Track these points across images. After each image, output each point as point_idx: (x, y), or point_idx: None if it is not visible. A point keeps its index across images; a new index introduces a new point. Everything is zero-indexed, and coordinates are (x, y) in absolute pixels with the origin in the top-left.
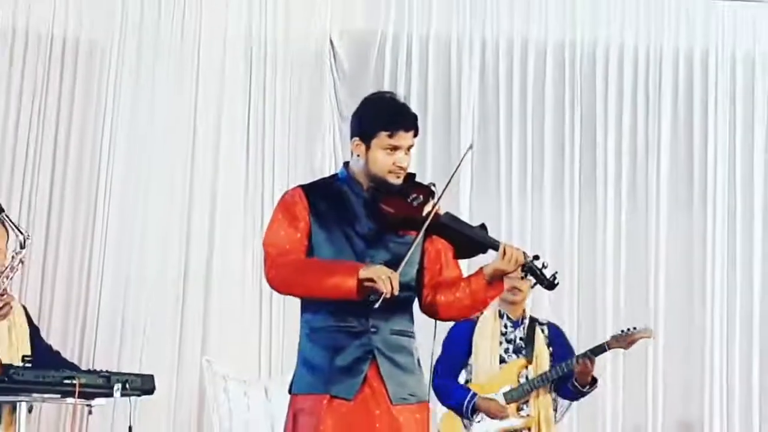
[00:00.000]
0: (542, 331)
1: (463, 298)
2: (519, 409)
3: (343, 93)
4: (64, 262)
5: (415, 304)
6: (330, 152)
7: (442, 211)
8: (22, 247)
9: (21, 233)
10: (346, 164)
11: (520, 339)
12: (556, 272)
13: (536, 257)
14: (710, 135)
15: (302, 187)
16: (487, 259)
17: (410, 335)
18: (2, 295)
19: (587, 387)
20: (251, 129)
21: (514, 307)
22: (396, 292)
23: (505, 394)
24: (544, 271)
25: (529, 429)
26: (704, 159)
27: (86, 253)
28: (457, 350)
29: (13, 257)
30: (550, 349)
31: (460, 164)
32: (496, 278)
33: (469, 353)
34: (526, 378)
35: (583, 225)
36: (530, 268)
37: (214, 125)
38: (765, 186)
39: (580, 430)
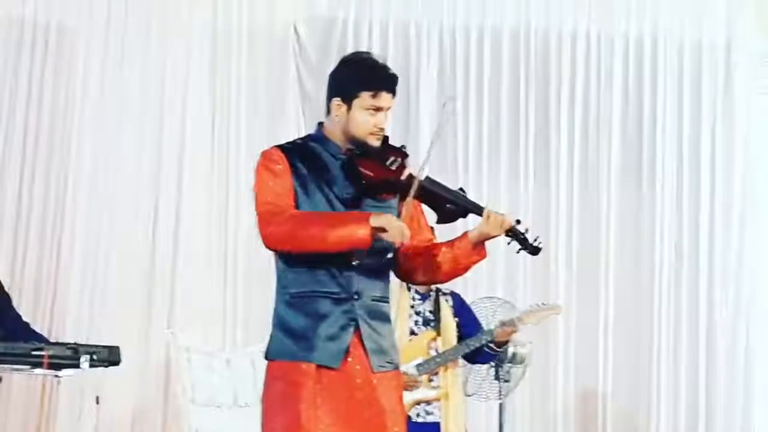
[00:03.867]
0: (446, 301)
1: (443, 263)
2: (429, 380)
3: (307, 78)
4: (35, 236)
5: None
6: (295, 137)
7: (420, 176)
8: None
9: None
10: (321, 124)
11: (429, 311)
12: (538, 236)
13: (518, 221)
14: (659, 115)
15: (280, 147)
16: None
17: (387, 300)
18: None
19: (504, 346)
20: (217, 114)
21: None
22: (407, 241)
23: (417, 366)
24: (526, 235)
25: (439, 400)
26: (653, 139)
27: (57, 228)
28: None
29: None
30: (456, 319)
31: (441, 122)
32: (481, 243)
33: None
34: (436, 350)
35: (537, 204)
36: (515, 233)
37: (181, 110)
38: (711, 165)
39: (532, 396)
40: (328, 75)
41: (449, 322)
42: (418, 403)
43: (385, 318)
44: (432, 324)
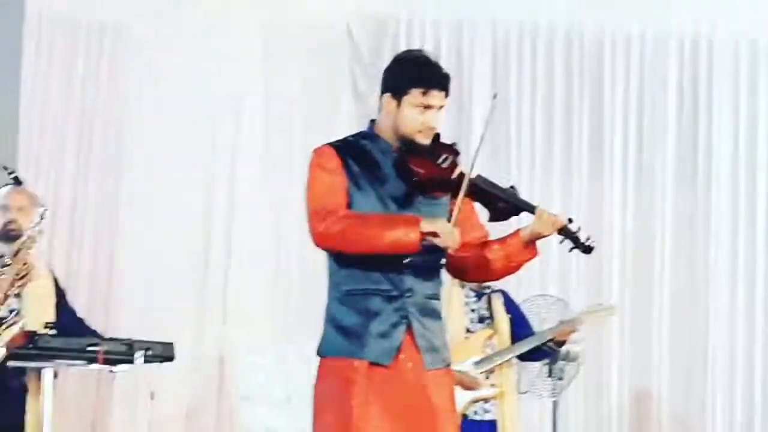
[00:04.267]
0: (498, 299)
1: (495, 260)
2: (486, 379)
3: (361, 78)
4: (90, 233)
5: None
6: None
7: (471, 173)
8: (42, 218)
9: (41, 205)
10: (372, 122)
11: (484, 309)
12: (590, 236)
13: (570, 220)
14: (714, 115)
15: (332, 145)
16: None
17: (439, 298)
18: (24, 264)
19: (562, 345)
20: (271, 113)
21: None
22: (458, 245)
23: (475, 364)
24: (578, 234)
25: (495, 399)
26: (709, 139)
27: (111, 225)
28: None
29: (33, 228)
30: (508, 315)
31: (489, 120)
32: (533, 242)
33: None
34: (491, 348)
35: (591, 204)
36: (567, 232)
37: (235, 108)
38: None
39: (586, 395)
40: (383, 71)
41: (503, 319)
42: (475, 401)
43: (436, 316)
44: (487, 322)
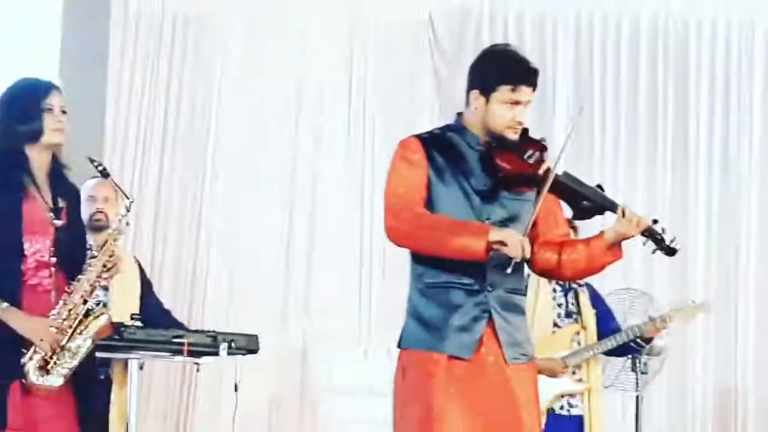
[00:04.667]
0: (583, 293)
1: (578, 260)
2: (573, 374)
3: (443, 71)
4: (175, 226)
5: None
6: (430, 128)
7: (557, 170)
8: (128, 210)
9: (126, 197)
10: (460, 115)
11: (571, 304)
12: (675, 237)
13: (655, 221)
14: None
15: (418, 137)
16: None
17: (522, 293)
18: (111, 256)
19: (650, 342)
20: (353, 106)
21: None
22: (527, 256)
23: (563, 359)
24: (663, 236)
25: (582, 395)
26: None
27: (195, 218)
28: None
29: (119, 220)
30: (594, 310)
31: (572, 129)
32: (617, 243)
33: None
34: (579, 343)
35: (675, 197)
36: (651, 233)
37: (318, 101)
38: None
39: (669, 390)
40: (469, 67)
41: (589, 314)
42: (562, 396)
43: (518, 310)
44: (574, 316)
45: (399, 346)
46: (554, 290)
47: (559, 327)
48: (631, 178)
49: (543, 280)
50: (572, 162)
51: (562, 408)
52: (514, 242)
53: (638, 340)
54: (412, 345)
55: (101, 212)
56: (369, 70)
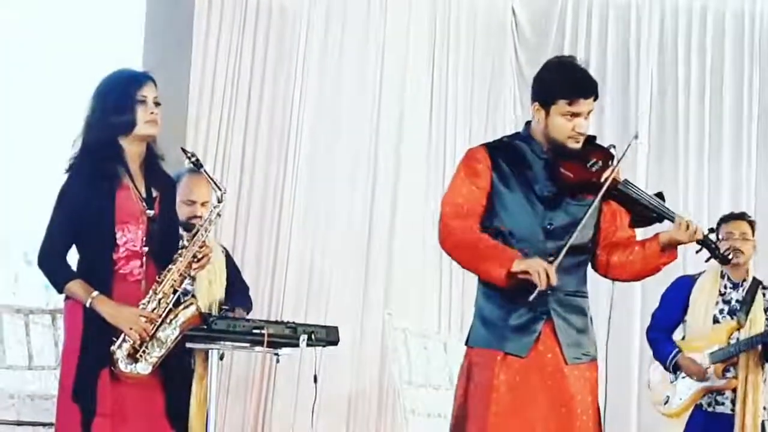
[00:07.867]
0: (763, 295)
1: (635, 261)
2: (725, 370)
3: (525, 60)
4: (256, 217)
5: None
6: (511, 119)
7: (621, 177)
8: (219, 201)
9: (219, 188)
10: (528, 124)
11: (737, 301)
12: (729, 247)
13: (711, 230)
14: None
15: (486, 146)
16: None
17: (584, 295)
18: (202, 246)
19: None
20: (434, 95)
21: (737, 269)
22: (553, 284)
23: (710, 354)
24: (718, 245)
25: (734, 391)
26: None
27: (276, 209)
28: (673, 305)
29: (210, 211)
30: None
31: (625, 151)
32: (671, 247)
33: (686, 310)
34: (737, 340)
35: (761, 188)
36: (705, 242)
37: (399, 91)
38: None
39: None
40: (532, 78)
41: (759, 314)
42: (707, 392)
43: (579, 311)
44: (738, 315)
45: (465, 343)
46: (725, 286)
47: (719, 323)
48: (716, 171)
49: (716, 275)
50: (658, 154)
51: (709, 405)
52: (538, 271)
53: None
54: (475, 343)
55: (198, 217)
56: (451, 57)
